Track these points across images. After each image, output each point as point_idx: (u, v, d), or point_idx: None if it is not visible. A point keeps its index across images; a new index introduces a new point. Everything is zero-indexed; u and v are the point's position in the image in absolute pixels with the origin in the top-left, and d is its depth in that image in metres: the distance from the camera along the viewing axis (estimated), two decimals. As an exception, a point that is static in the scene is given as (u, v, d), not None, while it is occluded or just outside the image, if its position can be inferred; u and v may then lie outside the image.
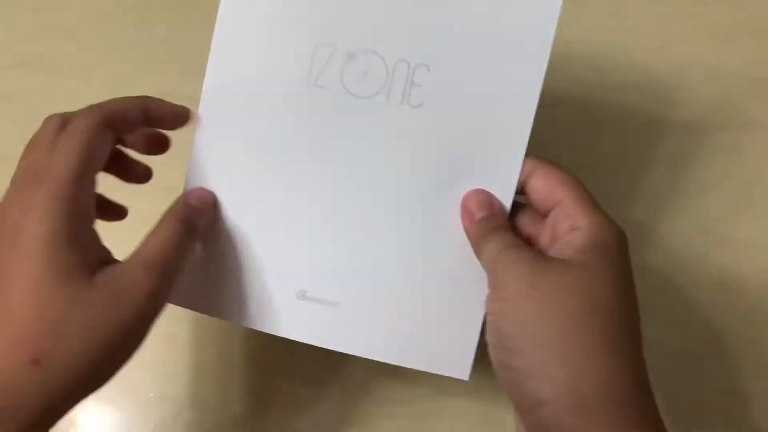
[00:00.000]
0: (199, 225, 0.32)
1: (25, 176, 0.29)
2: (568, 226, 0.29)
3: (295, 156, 0.34)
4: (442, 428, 0.40)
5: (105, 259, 0.29)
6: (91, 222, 0.29)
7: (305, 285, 0.34)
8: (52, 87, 0.51)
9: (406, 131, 0.33)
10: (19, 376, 0.25)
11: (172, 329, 0.45)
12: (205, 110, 0.36)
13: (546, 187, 0.30)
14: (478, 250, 0.31)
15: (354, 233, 0.33)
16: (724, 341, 0.42)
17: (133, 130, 0.33)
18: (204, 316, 0.45)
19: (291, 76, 0.34)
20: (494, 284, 0.28)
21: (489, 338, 0.29)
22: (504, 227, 0.31)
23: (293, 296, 0.34)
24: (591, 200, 0.30)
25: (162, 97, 0.37)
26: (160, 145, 0.37)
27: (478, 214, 0.31)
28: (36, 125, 0.51)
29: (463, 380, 0.32)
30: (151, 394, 0.44)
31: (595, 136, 0.48)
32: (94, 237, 0.29)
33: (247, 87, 0.36)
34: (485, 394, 0.41)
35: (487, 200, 0.31)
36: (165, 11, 0.54)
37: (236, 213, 0.34)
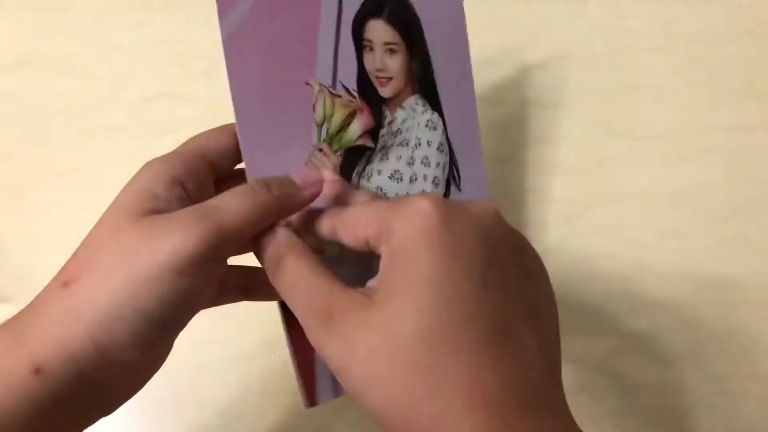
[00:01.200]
0: (288, 208, 0.28)
1: None
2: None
3: None
4: None
5: None
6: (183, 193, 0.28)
7: None
8: (53, 87, 0.51)
9: None
10: (48, 300, 0.25)
11: None
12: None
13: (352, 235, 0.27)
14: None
15: None
16: (724, 341, 0.42)
17: None
18: (204, 315, 0.45)
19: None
20: None
21: None
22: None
23: None
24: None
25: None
26: None
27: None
28: (36, 125, 0.51)
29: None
30: (152, 394, 0.44)
31: (594, 138, 0.48)
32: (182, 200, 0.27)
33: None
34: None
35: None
36: (165, 11, 0.54)
37: None
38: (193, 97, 0.51)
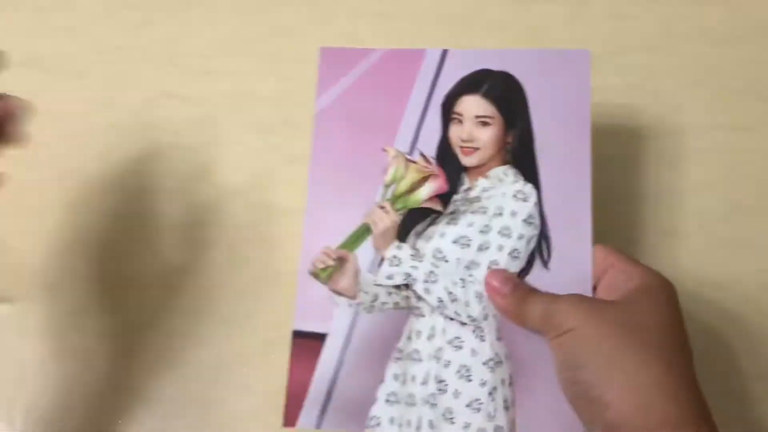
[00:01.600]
0: None
1: None
2: (623, 278, 0.33)
3: None
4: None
5: None
6: None
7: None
8: (53, 87, 0.51)
9: None
10: None
11: (173, 327, 0.45)
12: None
13: (599, 256, 0.34)
14: (520, 316, 0.33)
15: None
16: (724, 341, 0.42)
17: None
18: (204, 315, 0.45)
19: None
20: (552, 327, 0.31)
21: (557, 366, 0.32)
22: (533, 289, 0.34)
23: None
24: (638, 261, 0.34)
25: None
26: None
27: (506, 288, 0.33)
28: (36, 125, 0.52)
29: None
30: (152, 394, 0.43)
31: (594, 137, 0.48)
32: None
33: None
34: None
35: (507, 274, 0.34)
36: (165, 11, 0.53)
37: None
38: (193, 97, 0.51)
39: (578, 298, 0.32)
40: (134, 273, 0.47)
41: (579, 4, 0.51)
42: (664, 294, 0.32)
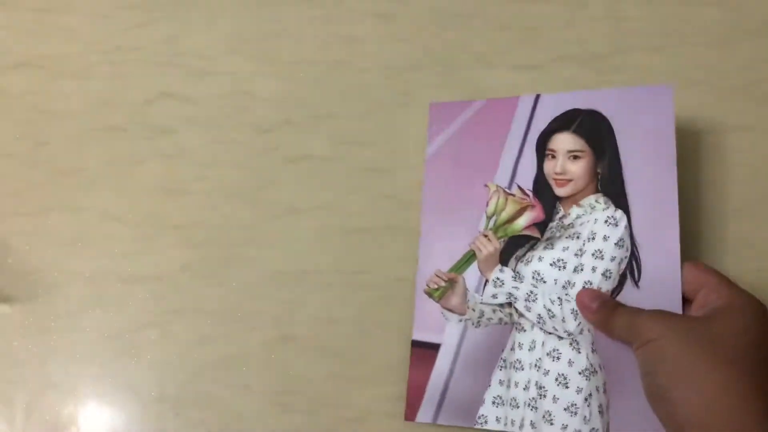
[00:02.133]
0: None
1: None
2: (714, 297, 0.35)
3: None
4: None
5: None
6: None
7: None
8: (53, 87, 0.51)
9: None
10: None
11: (172, 329, 0.46)
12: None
13: (693, 275, 0.37)
14: (608, 329, 0.37)
15: None
16: None
17: None
18: (204, 315, 0.46)
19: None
20: (635, 337, 0.35)
21: (640, 372, 0.35)
22: (619, 304, 0.38)
23: None
24: (731, 281, 0.36)
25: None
26: None
27: (594, 304, 0.37)
28: (36, 125, 0.50)
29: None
30: (152, 394, 0.44)
31: None
32: None
33: None
34: None
35: (596, 292, 0.38)
36: (165, 11, 0.53)
37: None
38: (193, 97, 0.51)
39: (660, 312, 0.35)
40: (134, 273, 0.48)
41: (579, 4, 0.51)
42: (750, 311, 0.34)
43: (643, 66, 0.48)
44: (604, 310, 0.37)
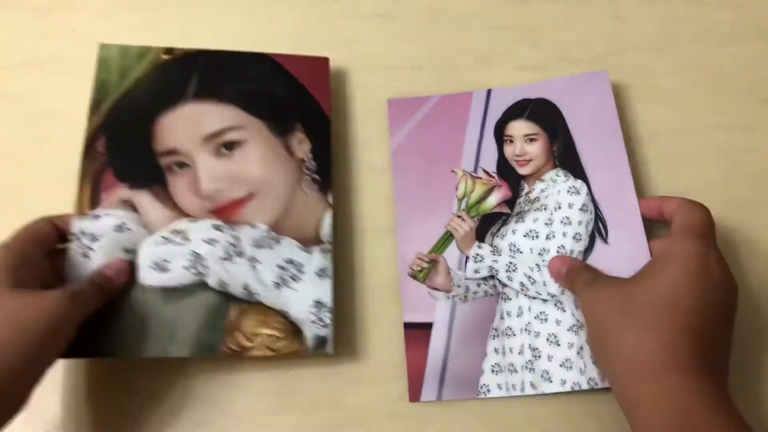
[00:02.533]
0: (108, 289, 0.39)
1: None
2: (662, 245, 0.39)
3: None
4: None
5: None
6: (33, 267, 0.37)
7: None
8: (53, 87, 0.51)
9: None
10: None
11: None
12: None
13: (646, 208, 0.42)
14: (573, 293, 0.41)
15: None
16: None
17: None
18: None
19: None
20: (579, 302, 0.40)
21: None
22: (584, 269, 0.41)
23: None
24: (685, 221, 0.38)
25: None
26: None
27: (564, 269, 0.41)
28: (37, 125, 0.48)
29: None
30: (152, 394, 0.42)
31: None
32: (33, 275, 0.37)
33: None
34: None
35: (565, 258, 0.41)
36: (165, 11, 0.53)
37: None
38: None
39: (592, 282, 0.38)
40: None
41: (579, 4, 0.52)
42: (681, 265, 0.35)
43: (643, 66, 0.50)
44: (571, 275, 0.40)
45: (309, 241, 0.42)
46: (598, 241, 0.42)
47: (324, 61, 0.48)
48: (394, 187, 0.46)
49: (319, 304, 0.40)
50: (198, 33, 0.52)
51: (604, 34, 0.51)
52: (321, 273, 0.41)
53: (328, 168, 0.44)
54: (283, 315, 0.40)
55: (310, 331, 0.39)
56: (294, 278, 0.41)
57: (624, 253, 0.41)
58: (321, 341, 0.39)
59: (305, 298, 0.40)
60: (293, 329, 0.39)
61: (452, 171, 0.46)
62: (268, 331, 0.39)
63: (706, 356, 0.33)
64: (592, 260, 0.42)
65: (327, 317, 0.40)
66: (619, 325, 0.34)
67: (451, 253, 0.43)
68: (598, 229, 0.43)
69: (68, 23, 0.53)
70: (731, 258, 0.42)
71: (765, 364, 0.41)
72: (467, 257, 0.43)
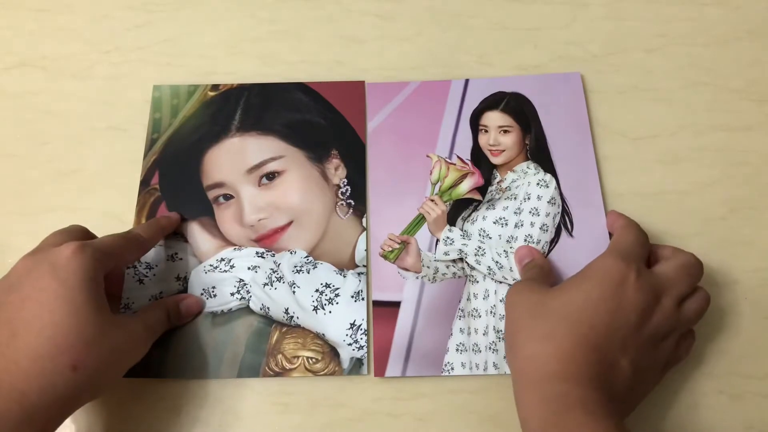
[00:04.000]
0: (175, 322, 0.42)
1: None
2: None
3: None
4: None
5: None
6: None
7: None
8: (53, 87, 0.51)
9: None
10: (59, 378, 0.32)
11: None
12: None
13: (610, 221, 0.43)
14: None
15: None
16: (724, 341, 0.41)
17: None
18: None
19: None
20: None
21: None
22: (539, 264, 0.42)
23: None
24: (618, 240, 0.39)
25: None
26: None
27: (525, 261, 0.42)
28: (37, 125, 0.48)
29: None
30: (152, 394, 0.42)
31: (592, 138, 0.46)
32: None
33: None
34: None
35: (530, 250, 0.43)
36: (165, 11, 0.53)
37: None
38: None
39: (529, 279, 0.40)
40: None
41: (579, 4, 0.52)
42: (594, 284, 0.35)
43: (642, 66, 0.50)
44: (526, 267, 0.42)
45: (344, 265, 0.43)
46: (564, 234, 0.44)
47: (359, 85, 0.49)
48: (368, 169, 0.46)
49: (354, 326, 0.41)
50: (197, 32, 0.53)
51: (603, 34, 0.52)
52: (356, 296, 0.42)
53: (363, 193, 0.46)
54: (320, 337, 0.41)
55: (346, 353, 0.41)
56: (330, 301, 0.42)
57: (588, 247, 0.43)
58: (357, 363, 0.41)
59: (341, 320, 0.42)
60: (330, 350, 0.41)
61: (427, 156, 0.47)
62: (307, 354, 0.41)
63: (601, 373, 0.33)
64: (557, 252, 0.43)
65: (362, 339, 0.41)
66: (527, 328, 0.35)
67: (422, 235, 0.44)
68: (564, 222, 0.44)
69: (68, 23, 0.53)
70: (727, 259, 0.44)
71: (765, 367, 0.41)
72: (438, 239, 0.44)
